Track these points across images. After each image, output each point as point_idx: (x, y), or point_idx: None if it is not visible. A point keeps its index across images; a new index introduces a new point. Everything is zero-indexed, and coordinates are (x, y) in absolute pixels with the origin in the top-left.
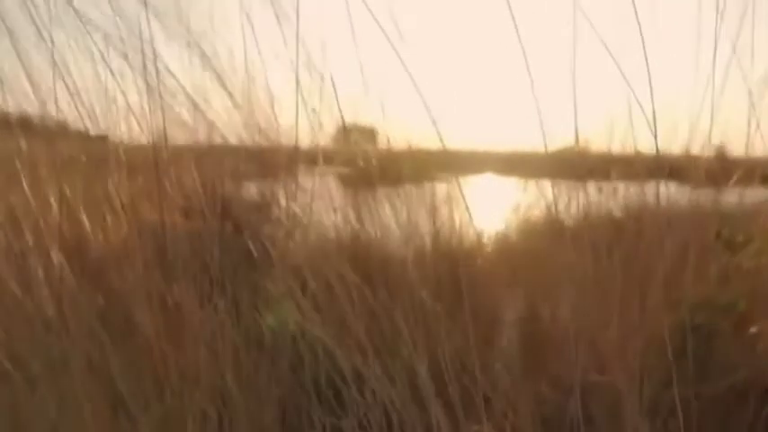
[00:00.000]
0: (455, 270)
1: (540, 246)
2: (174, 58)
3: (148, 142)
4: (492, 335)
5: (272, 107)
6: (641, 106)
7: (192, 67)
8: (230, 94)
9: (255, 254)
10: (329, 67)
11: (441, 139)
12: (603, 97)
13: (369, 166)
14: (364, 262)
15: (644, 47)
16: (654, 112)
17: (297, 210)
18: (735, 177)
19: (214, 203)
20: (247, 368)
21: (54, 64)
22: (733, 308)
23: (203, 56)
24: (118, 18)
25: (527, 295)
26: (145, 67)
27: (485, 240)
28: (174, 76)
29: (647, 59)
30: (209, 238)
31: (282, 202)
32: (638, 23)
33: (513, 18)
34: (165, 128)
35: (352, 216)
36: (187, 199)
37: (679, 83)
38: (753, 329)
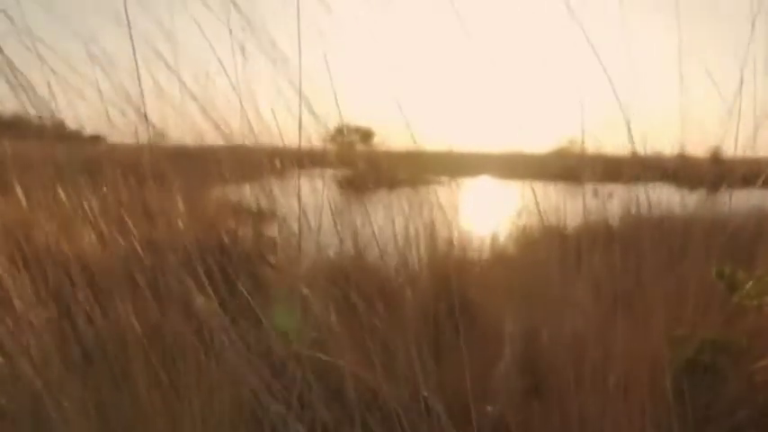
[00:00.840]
0: (451, 295)
1: (538, 263)
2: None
3: (141, 145)
4: (489, 374)
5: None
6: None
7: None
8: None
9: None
10: (325, 68)
11: (438, 141)
12: (599, 98)
13: (365, 169)
14: (359, 293)
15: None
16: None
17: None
18: (732, 180)
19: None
20: None
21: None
22: (736, 346)
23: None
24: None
25: (525, 328)
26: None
27: (480, 254)
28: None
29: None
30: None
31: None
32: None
33: (508, 20)
34: (159, 131)
35: (347, 231)
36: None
37: (675, 84)
38: (755, 367)
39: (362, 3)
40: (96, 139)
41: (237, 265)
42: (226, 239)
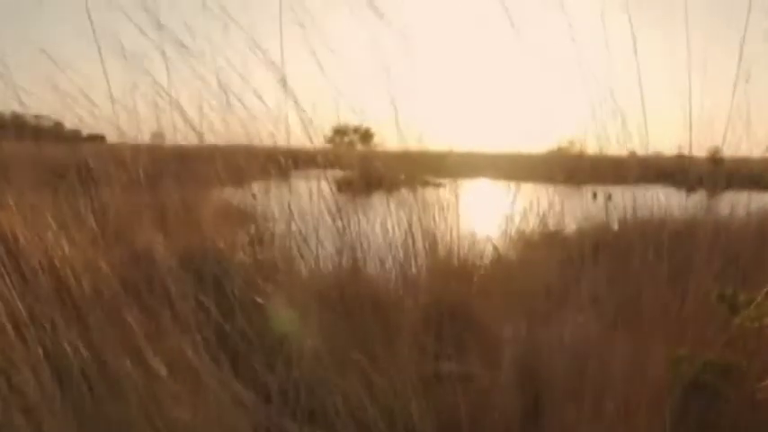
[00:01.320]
0: (452, 309)
1: (538, 271)
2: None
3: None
4: (489, 391)
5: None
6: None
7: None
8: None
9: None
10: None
11: (438, 141)
12: (599, 99)
13: (365, 170)
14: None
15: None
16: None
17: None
18: (732, 181)
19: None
20: None
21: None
22: (737, 368)
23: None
24: None
25: (524, 343)
26: None
27: (480, 261)
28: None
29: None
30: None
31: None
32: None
33: (507, 22)
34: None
35: (346, 238)
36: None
37: (672, 85)
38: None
39: (364, 4)
40: (95, 138)
41: (232, 297)
42: (218, 270)
